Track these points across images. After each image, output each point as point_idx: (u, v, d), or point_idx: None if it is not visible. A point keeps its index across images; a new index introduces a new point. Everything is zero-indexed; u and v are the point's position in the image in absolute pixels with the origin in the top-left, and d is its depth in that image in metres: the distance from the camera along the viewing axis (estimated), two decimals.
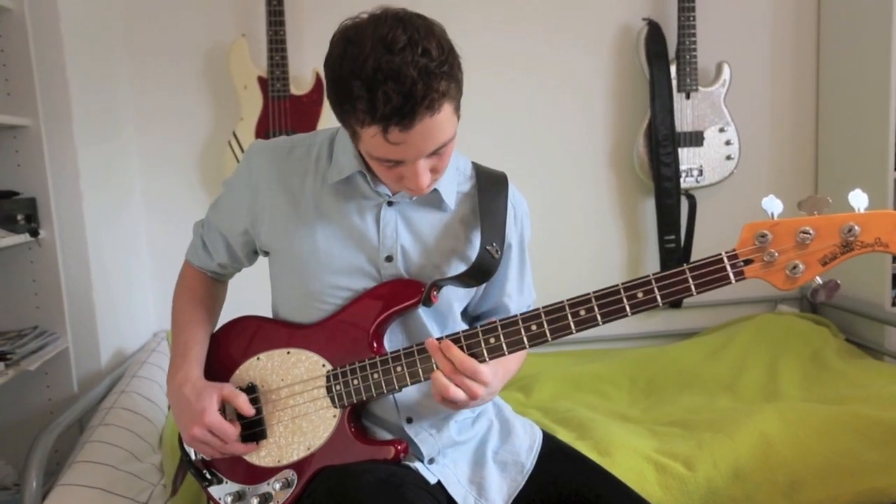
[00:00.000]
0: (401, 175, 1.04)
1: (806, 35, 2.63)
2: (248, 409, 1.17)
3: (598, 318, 1.04)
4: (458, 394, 1.04)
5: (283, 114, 2.32)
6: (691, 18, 2.43)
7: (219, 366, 1.24)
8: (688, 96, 2.47)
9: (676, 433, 1.79)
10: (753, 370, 2.25)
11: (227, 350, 1.25)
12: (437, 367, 1.06)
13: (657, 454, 1.67)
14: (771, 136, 2.66)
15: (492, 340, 1.07)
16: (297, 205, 1.17)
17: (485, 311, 1.30)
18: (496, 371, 1.09)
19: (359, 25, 0.98)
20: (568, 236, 2.57)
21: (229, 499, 1.20)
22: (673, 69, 2.46)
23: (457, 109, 1.02)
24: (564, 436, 1.74)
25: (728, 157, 2.51)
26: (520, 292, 1.29)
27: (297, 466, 1.16)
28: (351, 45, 0.95)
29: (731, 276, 0.99)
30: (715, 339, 2.48)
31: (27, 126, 1.77)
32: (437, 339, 1.07)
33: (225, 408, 1.18)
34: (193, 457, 1.25)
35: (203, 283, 1.33)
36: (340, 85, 0.96)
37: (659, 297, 1.01)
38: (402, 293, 1.14)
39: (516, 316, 1.07)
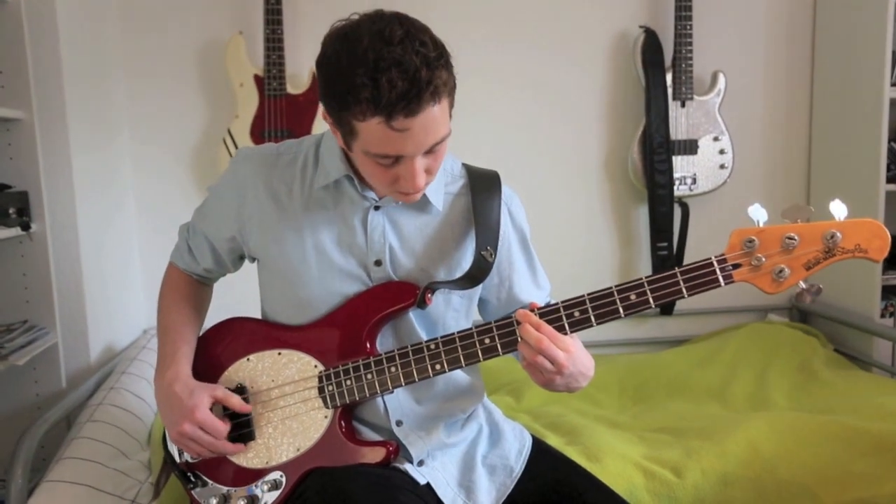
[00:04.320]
0: (396, 176, 1.04)
1: (801, 46, 2.65)
2: (244, 407, 1.17)
3: (593, 319, 1.06)
4: (544, 362, 1.02)
5: (279, 113, 2.31)
6: (688, 27, 2.44)
7: (208, 367, 1.23)
8: (683, 104, 2.48)
9: (665, 440, 1.79)
10: (743, 379, 2.26)
11: (217, 351, 1.24)
12: (522, 338, 1.05)
13: (646, 460, 1.67)
14: (764, 146, 2.68)
15: (487, 341, 1.08)
16: (285, 212, 1.17)
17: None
18: (579, 344, 1.08)
19: (354, 23, 0.99)
20: (561, 242, 2.57)
21: (214, 501, 1.18)
22: (669, 77, 2.47)
23: (451, 108, 1.03)
24: (554, 441, 1.74)
25: (722, 166, 2.52)
26: (537, 287, 1.28)
27: (286, 468, 1.15)
28: (348, 41, 0.96)
29: (721, 279, 1.03)
30: (705, 347, 2.48)
31: (20, 119, 1.75)
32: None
33: (213, 408, 1.17)
34: (178, 458, 1.24)
35: (189, 285, 1.32)
36: (341, 77, 0.96)
37: (651, 300, 1.04)
38: (397, 295, 1.14)
39: (510, 317, 1.07)
